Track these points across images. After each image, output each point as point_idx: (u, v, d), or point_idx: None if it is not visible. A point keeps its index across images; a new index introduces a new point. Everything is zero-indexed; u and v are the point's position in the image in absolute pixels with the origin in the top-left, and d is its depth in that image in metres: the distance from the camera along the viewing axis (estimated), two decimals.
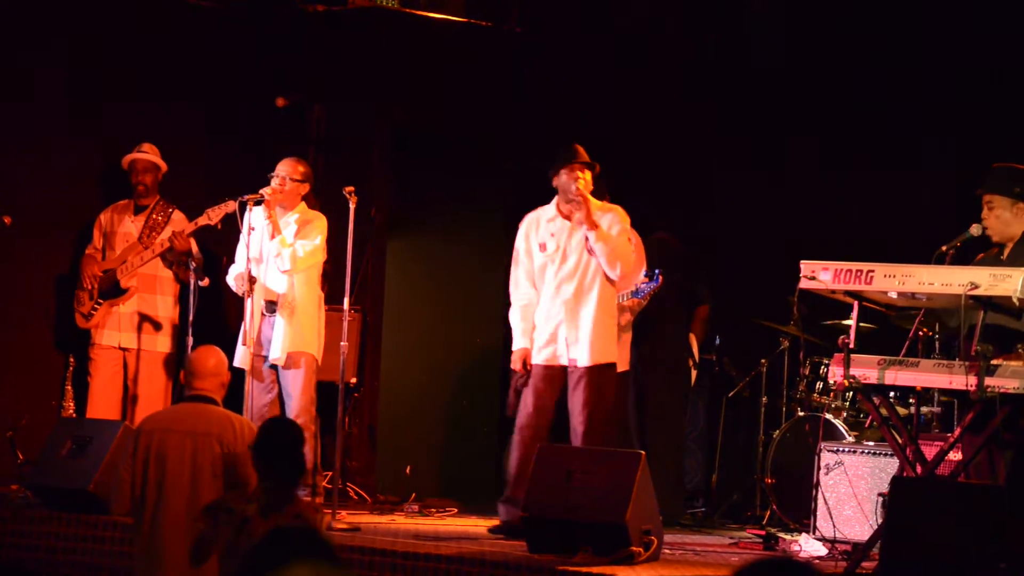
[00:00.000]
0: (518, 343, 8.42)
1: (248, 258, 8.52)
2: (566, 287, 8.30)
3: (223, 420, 6.58)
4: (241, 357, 8.49)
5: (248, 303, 8.43)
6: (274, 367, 8.59)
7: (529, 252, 8.45)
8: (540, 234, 8.44)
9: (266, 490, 5.80)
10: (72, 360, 9.44)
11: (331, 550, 3.44)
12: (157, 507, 6.48)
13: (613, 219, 8.33)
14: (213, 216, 8.82)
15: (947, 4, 9.67)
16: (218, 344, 6.90)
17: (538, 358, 8.35)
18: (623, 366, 8.96)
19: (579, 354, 8.25)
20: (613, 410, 8.43)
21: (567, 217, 8.38)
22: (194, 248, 9.13)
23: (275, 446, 5.88)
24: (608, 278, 8.31)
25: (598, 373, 8.25)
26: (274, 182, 8.65)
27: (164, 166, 9.50)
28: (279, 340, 8.55)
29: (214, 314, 9.03)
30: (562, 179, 8.35)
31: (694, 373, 9.59)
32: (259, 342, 8.55)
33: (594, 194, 8.47)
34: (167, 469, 6.48)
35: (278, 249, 8.57)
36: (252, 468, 6.12)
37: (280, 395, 8.63)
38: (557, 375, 8.32)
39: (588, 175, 8.33)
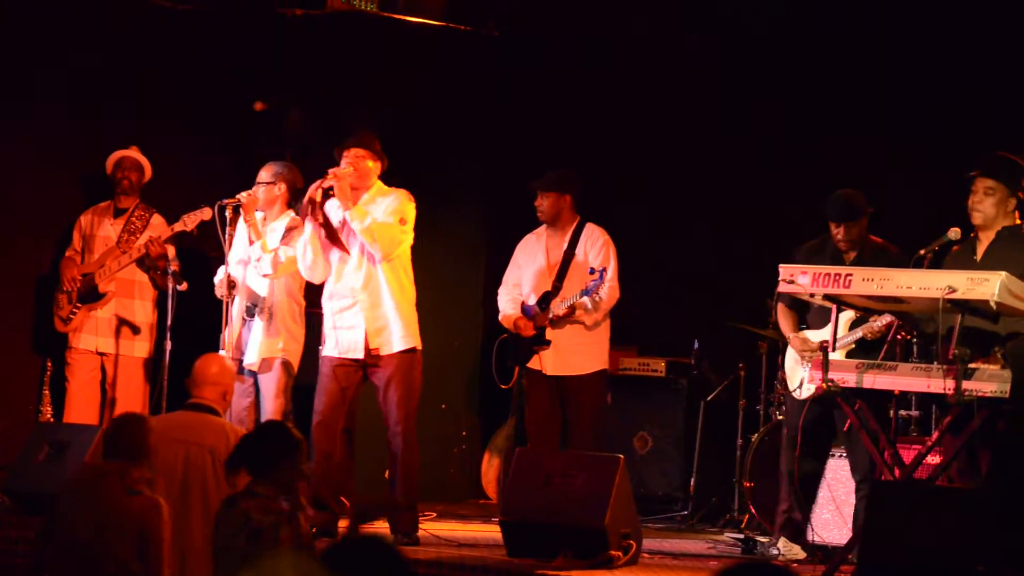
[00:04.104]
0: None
1: (227, 262, 8.52)
2: (356, 275, 8.26)
3: (218, 432, 6.40)
4: None
5: (228, 308, 8.43)
6: (252, 372, 8.59)
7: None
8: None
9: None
10: (49, 364, 9.39)
11: None
12: None
13: (388, 202, 8.31)
14: (189, 222, 8.82)
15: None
16: (199, 349, 6.85)
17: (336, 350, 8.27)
18: (601, 364, 8.91)
19: (383, 342, 8.23)
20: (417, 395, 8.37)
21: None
22: (171, 254, 9.10)
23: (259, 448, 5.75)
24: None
25: (404, 359, 8.23)
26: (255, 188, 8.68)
27: (149, 171, 9.48)
28: (255, 344, 8.54)
29: (194, 318, 9.00)
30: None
31: None
32: (238, 346, 8.54)
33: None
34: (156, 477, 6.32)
35: (259, 253, 8.56)
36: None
37: (257, 399, 8.62)
38: (352, 367, 8.27)
39: (369, 162, 8.27)
